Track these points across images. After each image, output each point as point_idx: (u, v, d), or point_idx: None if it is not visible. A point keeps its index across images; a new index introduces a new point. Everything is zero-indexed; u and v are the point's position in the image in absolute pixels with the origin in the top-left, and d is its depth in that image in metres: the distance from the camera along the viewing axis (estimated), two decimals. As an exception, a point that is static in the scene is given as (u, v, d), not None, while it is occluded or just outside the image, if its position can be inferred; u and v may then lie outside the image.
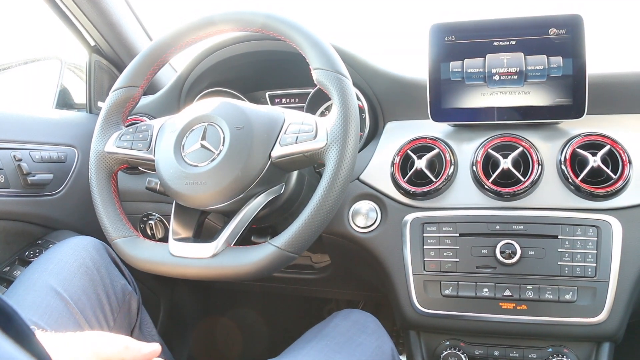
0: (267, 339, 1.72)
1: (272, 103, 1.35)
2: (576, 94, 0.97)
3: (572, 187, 0.94)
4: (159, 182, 0.99)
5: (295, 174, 0.99)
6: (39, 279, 0.87)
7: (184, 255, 0.86)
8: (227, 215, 0.92)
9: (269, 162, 0.86)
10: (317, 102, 1.24)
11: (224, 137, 0.86)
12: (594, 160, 0.93)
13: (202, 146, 0.87)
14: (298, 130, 0.86)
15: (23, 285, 0.88)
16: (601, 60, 1.07)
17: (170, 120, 0.95)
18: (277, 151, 0.86)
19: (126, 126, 1.01)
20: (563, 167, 0.95)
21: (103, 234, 0.94)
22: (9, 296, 0.88)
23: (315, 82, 0.88)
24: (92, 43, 1.40)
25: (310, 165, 0.97)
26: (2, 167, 1.09)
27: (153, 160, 0.93)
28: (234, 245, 0.86)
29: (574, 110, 0.97)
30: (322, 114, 1.26)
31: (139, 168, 1.20)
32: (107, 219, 0.93)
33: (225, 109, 0.89)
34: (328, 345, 0.84)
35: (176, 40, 0.99)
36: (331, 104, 0.85)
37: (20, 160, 1.11)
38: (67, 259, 0.92)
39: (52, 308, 0.83)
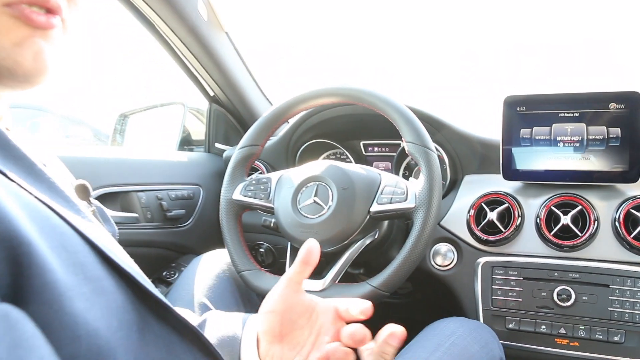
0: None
1: (366, 151, 1.57)
2: (632, 161, 1.12)
3: (624, 243, 1.10)
4: (272, 221, 1.23)
5: (387, 221, 1.20)
6: (190, 291, 1.13)
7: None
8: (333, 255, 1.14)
9: (368, 216, 1.07)
10: (404, 155, 1.44)
11: (332, 195, 1.08)
12: (646, 220, 1.09)
13: (315, 202, 1.09)
14: (392, 192, 1.07)
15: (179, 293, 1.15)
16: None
17: (285, 175, 1.18)
18: (375, 208, 1.07)
19: (247, 173, 1.25)
20: (617, 224, 1.11)
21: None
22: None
23: (406, 152, 1.09)
24: (212, 94, 1.67)
25: (401, 219, 1.18)
26: (149, 205, 1.37)
27: (272, 208, 1.16)
28: (338, 282, 1.08)
29: (629, 175, 1.13)
30: (409, 164, 1.47)
31: (258, 211, 1.45)
32: (236, 255, 1.17)
33: (333, 171, 1.11)
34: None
35: (291, 108, 1.23)
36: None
37: (161, 199, 1.39)
38: (212, 268, 1.19)
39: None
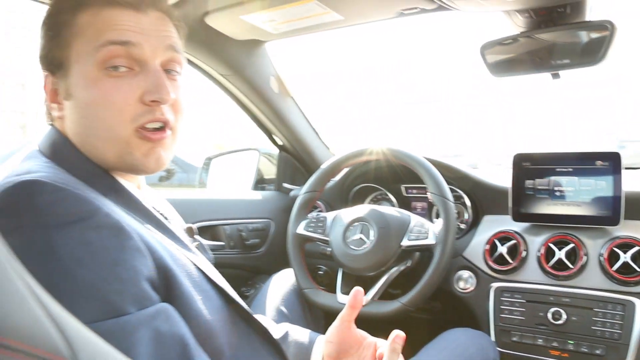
0: None
1: (406, 193, 1.89)
2: (614, 207, 1.39)
3: (608, 275, 1.36)
4: (328, 250, 1.58)
5: (418, 252, 1.51)
6: (271, 301, 1.48)
7: (345, 303, 1.42)
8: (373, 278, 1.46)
9: (400, 249, 1.40)
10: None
11: (373, 233, 1.42)
12: (625, 257, 1.35)
13: (360, 238, 1.43)
14: (418, 231, 1.40)
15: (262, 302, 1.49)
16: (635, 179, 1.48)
17: (338, 215, 1.53)
18: (405, 243, 1.40)
19: (308, 212, 1.61)
20: (602, 259, 1.38)
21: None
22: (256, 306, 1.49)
23: (430, 200, 1.41)
24: (280, 143, 2.04)
25: (425, 252, 1.50)
26: (232, 235, 1.75)
27: (328, 241, 1.51)
28: (377, 299, 1.41)
29: (613, 219, 1.40)
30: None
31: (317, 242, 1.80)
32: (300, 276, 1.52)
33: (374, 214, 1.45)
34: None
35: (344, 162, 1.59)
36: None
37: (241, 231, 1.77)
38: (285, 285, 1.53)
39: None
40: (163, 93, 0.80)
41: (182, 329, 0.70)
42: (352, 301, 0.96)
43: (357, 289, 0.96)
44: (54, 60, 0.81)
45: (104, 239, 0.67)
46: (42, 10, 0.86)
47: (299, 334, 1.10)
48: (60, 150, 0.81)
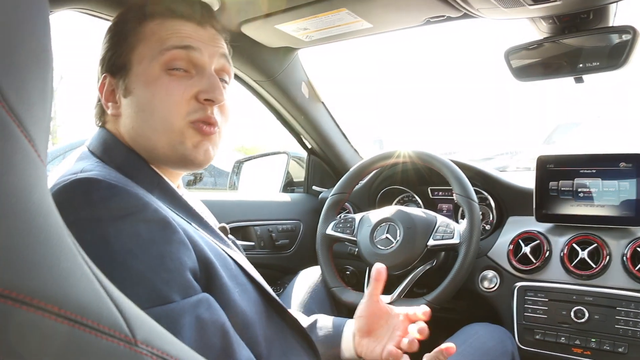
0: None
1: (432, 195, 1.94)
2: (638, 208, 1.42)
3: (631, 274, 1.39)
4: (356, 250, 1.63)
5: (444, 252, 1.56)
6: (299, 297, 1.54)
7: (373, 300, 1.47)
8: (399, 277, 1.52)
9: (426, 248, 1.45)
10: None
11: (399, 233, 1.47)
12: (648, 257, 1.38)
13: (387, 237, 1.49)
14: (444, 231, 1.45)
15: (290, 298, 1.55)
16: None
17: (366, 216, 1.58)
18: (431, 242, 1.45)
19: (337, 213, 1.66)
20: (625, 259, 1.40)
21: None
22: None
23: (455, 201, 1.46)
24: (309, 146, 2.11)
25: (450, 251, 1.55)
26: (262, 236, 1.81)
27: (355, 241, 1.56)
28: (403, 297, 1.46)
29: (636, 220, 1.43)
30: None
31: (345, 243, 1.85)
32: (328, 275, 1.58)
33: (400, 214, 1.51)
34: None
35: (371, 165, 1.64)
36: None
37: (271, 232, 1.84)
38: (313, 282, 1.59)
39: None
40: (217, 93, 0.88)
41: (223, 318, 0.76)
42: (376, 275, 1.06)
43: (379, 264, 1.07)
44: (117, 62, 0.89)
45: (153, 232, 0.73)
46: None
47: (328, 320, 1.16)
48: (110, 149, 0.88)
